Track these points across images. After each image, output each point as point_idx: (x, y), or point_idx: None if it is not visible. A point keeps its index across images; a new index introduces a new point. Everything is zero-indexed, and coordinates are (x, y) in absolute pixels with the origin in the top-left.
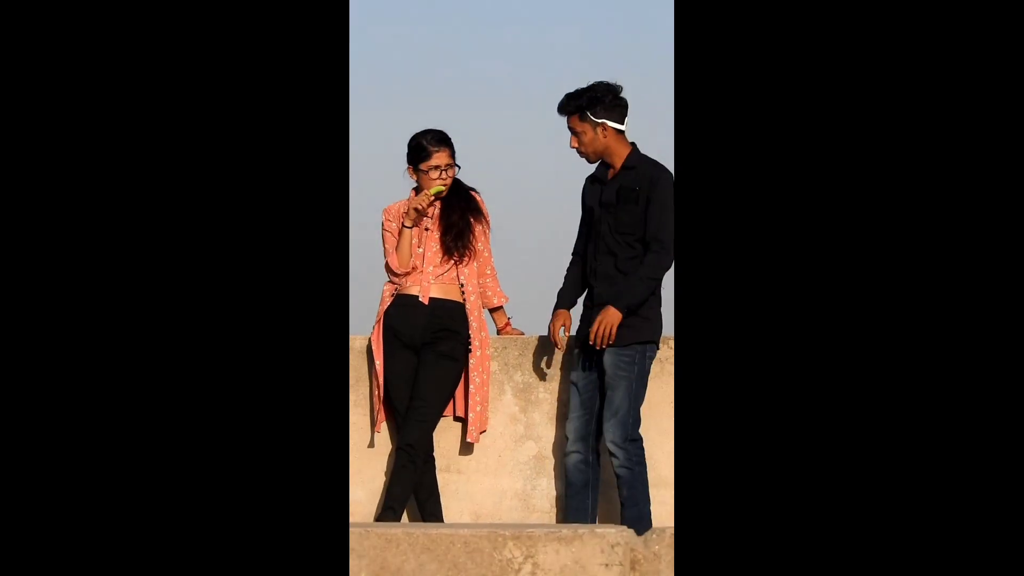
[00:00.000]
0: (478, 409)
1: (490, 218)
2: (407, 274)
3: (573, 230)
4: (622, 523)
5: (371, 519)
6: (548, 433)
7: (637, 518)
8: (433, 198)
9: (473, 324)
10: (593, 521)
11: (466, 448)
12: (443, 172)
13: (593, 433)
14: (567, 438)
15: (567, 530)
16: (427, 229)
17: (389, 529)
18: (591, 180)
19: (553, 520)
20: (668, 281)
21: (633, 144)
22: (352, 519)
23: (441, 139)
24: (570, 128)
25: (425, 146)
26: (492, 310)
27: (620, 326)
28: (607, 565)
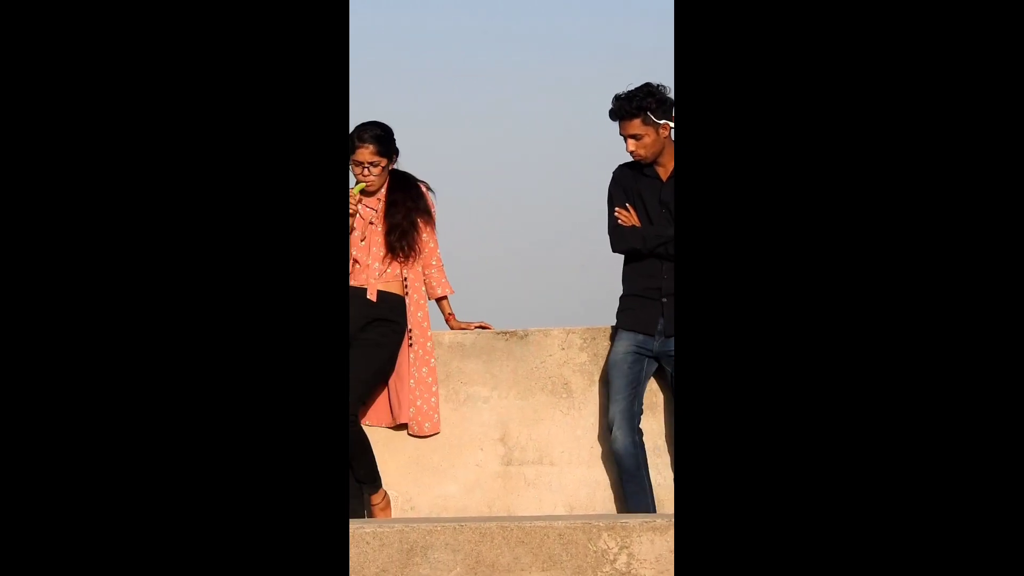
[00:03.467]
0: (419, 405)
1: (435, 210)
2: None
3: (568, 229)
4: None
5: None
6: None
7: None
8: (359, 196)
9: (412, 319)
10: (652, 502)
11: (560, 441)
12: (365, 169)
13: (637, 415)
14: (613, 421)
15: (662, 520)
16: (371, 223)
17: (483, 523)
18: (638, 170)
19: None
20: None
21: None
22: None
23: (360, 133)
24: (630, 133)
25: (352, 138)
26: (437, 300)
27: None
28: None
